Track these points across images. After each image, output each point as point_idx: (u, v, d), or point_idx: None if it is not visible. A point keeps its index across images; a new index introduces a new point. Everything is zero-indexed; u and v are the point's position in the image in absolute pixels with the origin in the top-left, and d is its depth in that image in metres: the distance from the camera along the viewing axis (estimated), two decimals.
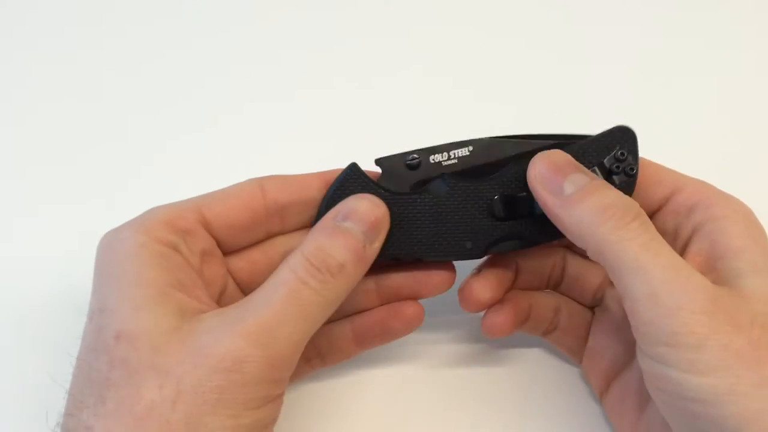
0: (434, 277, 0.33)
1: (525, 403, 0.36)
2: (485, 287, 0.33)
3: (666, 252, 0.27)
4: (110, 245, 0.29)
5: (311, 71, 0.48)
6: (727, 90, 0.47)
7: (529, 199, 0.31)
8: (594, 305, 0.35)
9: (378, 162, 0.33)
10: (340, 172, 0.32)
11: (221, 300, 0.32)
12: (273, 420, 0.28)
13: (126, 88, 0.47)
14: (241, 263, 0.33)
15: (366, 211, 0.30)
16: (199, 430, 0.25)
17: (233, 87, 0.48)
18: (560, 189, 0.28)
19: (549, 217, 0.29)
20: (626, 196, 0.28)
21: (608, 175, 0.31)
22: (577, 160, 0.31)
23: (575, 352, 0.35)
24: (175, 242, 0.29)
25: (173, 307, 0.27)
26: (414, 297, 0.34)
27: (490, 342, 0.37)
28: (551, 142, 0.32)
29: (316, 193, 0.32)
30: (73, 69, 0.48)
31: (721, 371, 0.25)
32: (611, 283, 0.33)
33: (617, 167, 0.31)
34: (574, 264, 0.35)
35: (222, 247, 0.32)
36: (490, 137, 0.32)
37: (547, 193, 0.29)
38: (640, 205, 0.29)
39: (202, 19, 0.50)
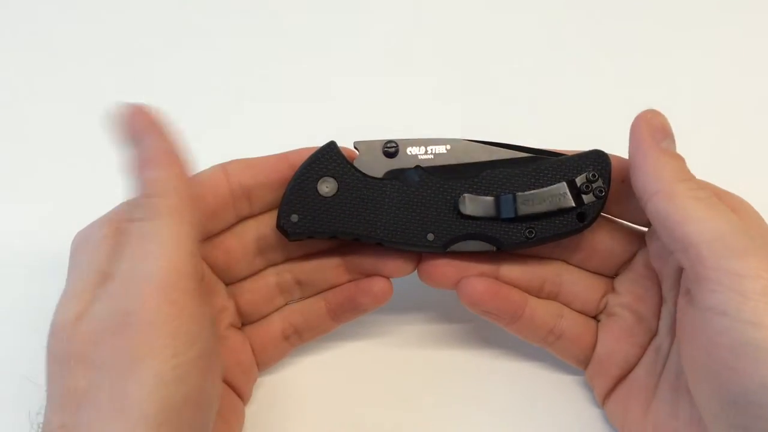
0: (397, 258, 0.33)
1: (510, 387, 0.37)
2: (448, 263, 0.33)
3: (732, 215, 0.28)
4: (77, 241, 0.29)
5: (291, 54, 0.48)
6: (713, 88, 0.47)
7: (497, 202, 0.31)
8: (596, 314, 0.35)
9: (356, 144, 0.33)
10: (303, 151, 0.32)
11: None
12: (209, 372, 0.27)
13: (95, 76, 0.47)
14: (216, 252, 0.33)
15: (150, 145, 0.28)
16: (124, 402, 0.24)
17: (208, 75, 0.48)
18: (660, 140, 0.30)
19: (634, 154, 0.30)
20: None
21: (578, 194, 0.31)
22: (550, 173, 0.32)
23: (581, 360, 0.35)
24: None
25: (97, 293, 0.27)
26: (379, 275, 0.34)
27: (483, 326, 0.38)
28: (526, 155, 0.32)
29: (280, 174, 0.32)
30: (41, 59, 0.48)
31: None
32: (614, 290, 0.34)
33: (587, 187, 0.31)
34: (572, 279, 0.35)
35: None
36: (468, 140, 0.33)
37: (649, 136, 0.30)
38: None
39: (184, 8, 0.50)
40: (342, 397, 0.36)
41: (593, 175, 0.31)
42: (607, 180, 0.31)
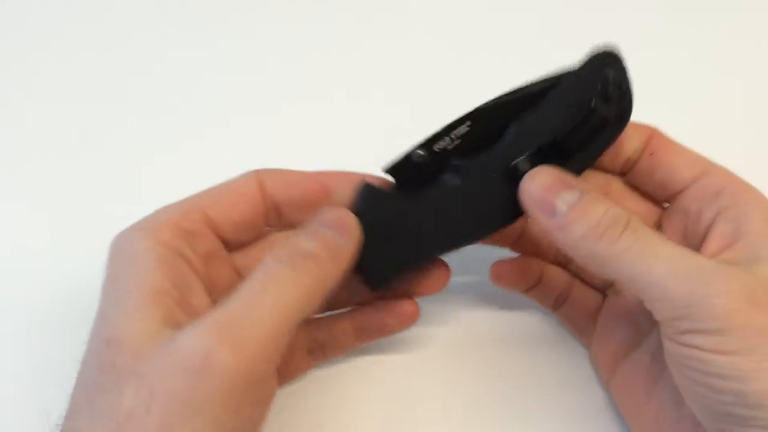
0: (430, 277, 0.33)
1: (528, 389, 0.36)
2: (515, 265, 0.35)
3: (664, 249, 0.27)
4: (119, 248, 0.29)
5: (308, 75, 0.48)
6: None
7: (544, 151, 0.30)
8: (604, 288, 0.36)
9: (386, 170, 0.32)
10: (339, 175, 0.32)
11: None
12: (257, 423, 0.27)
13: (128, 89, 0.48)
14: (246, 261, 0.33)
15: (331, 216, 0.29)
16: None
17: (232, 88, 0.48)
18: (553, 210, 0.29)
19: (549, 237, 0.30)
20: (614, 207, 0.28)
21: (607, 99, 0.30)
22: (575, 97, 0.31)
23: (583, 331, 0.36)
24: (179, 246, 0.29)
25: (162, 312, 0.27)
26: (409, 295, 0.34)
27: (492, 330, 0.38)
28: (540, 87, 0.31)
29: (312, 197, 0.32)
30: (72, 70, 0.48)
31: (746, 350, 0.25)
32: None
33: (612, 90, 0.30)
34: None
35: (228, 245, 0.32)
36: (482, 105, 0.32)
37: (542, 215, 0.29)
38: (665, 184, 0.31)
39: (201, 25, 0.51)
40: (344, 403, 0.36)
41: (613, 75, 0.30)
42: (626, 74, 0.31)
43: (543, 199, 0.29)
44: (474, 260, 0.36)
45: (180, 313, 0.27)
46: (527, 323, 0.38)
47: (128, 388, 0.25)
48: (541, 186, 0.29)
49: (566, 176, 0.30)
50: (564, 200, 0.29)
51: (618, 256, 0.27)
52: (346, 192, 0.31)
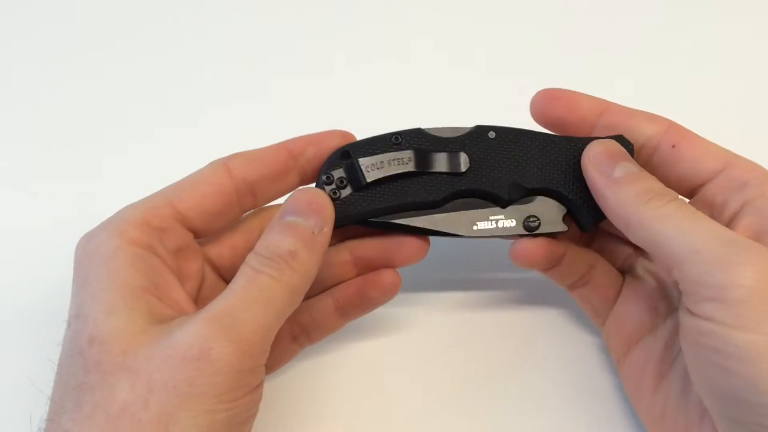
0: (408, 246, 0.33)
1: (526, 376, 0.37)
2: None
3: (706, 221, 0.28)
4: (86, 250, 0.29)
5: (291, 65, 0.48)
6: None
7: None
8: (624, 270, 0.36)
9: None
10: (302, 139, 0.32)
11: (201, 292, 0.32)
12: (251, 415, 0.28)
13: (105, 82, 0.48)
14: (222, 250, 0.33)
15: (307, 202, 0.30)
16: (170, 427, 0.25)
17: (216, 80, 0.48)
18: (610, 172, 0.30)
19: (594, 196, 0.31)
20: (665, 187, 0.30)
21: None
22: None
23: (599, 313, 0.36)
24: (150, 243, 0.29)
25: (144, 309, 0.27)
26: (389, 266, 0.34)
27: (484, 313, 0.38)
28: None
29: (281, 166, 0.32)
30: (58, 67, 0.48)
31: (763, 329, 0.25)
32: (642, 252, 0.35)
33: None
34: (602, 239, 0.36)
35: (199, 235, 0.32)
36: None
37: (597, 173, 0.31)
38: (689, 176, 0.32)
39: (188, 16, 0.51)
40: (339, 394, 0.36)
41: None
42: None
43: (604, 161, 0.31)
44: (472, 248, 0.37)
45: (164, 308, 0.28)
46: (523, 310, 0.39)
47: (121, 384, 0.25)
48: (606, 150, 0.31)
49: (627, 153, 0.32)
50: (623, 167, 0.31)
51: (661, 218, 0.28)
52: (311, 152, 0.32)
